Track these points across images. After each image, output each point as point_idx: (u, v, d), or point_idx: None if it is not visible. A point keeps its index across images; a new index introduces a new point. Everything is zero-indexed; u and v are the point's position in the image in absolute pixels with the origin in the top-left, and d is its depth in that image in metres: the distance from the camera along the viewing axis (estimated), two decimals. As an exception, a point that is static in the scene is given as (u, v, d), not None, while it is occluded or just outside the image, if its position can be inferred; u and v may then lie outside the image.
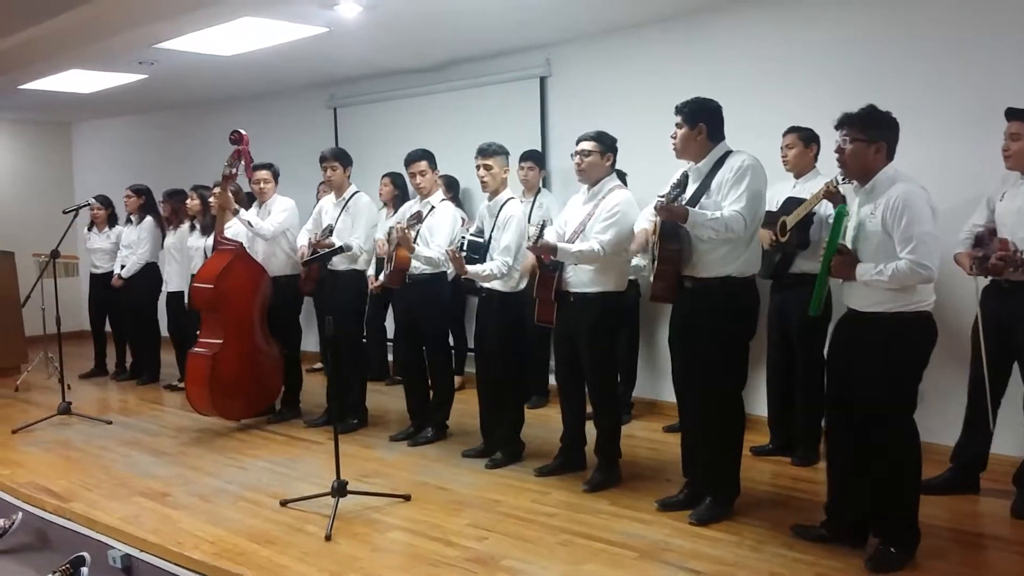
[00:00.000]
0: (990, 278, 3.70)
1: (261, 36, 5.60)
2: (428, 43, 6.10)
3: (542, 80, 6.24)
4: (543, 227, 4.08)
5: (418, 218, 4.77)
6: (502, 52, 6.36)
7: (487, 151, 4.55)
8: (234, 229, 5.79)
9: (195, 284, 5.51)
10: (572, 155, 4.19)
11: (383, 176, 6.59)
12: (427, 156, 4.98)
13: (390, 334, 6.41)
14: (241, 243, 5.51)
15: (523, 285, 4.55)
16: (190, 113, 9.01)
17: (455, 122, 6.64)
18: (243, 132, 5.45)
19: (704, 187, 3.60)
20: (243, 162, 5.48)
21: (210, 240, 6.14)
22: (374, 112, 7.33)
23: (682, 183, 3.53)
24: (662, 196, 3.56)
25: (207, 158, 8.12)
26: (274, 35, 5.58)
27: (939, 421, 4.05)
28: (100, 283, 7.42)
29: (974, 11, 4.34)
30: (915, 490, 3.21)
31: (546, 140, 6.25)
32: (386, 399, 6.16)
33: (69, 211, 6.58)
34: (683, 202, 3.55)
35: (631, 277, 4.68)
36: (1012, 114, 3.68)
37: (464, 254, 4.47)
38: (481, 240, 4.58)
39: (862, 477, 3.27)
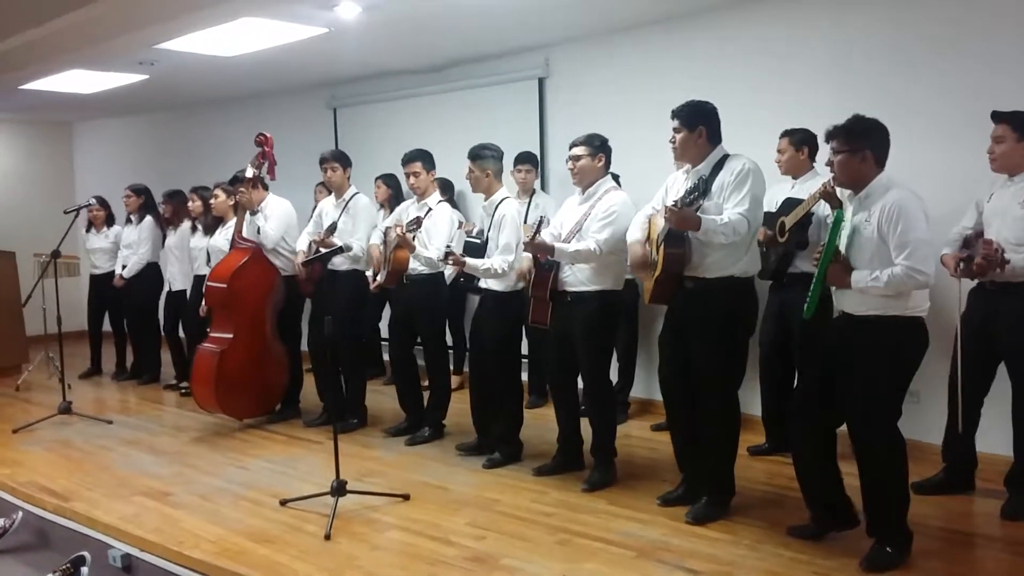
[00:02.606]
0: (976, 280, 3.72)
1: (261, 37, 5.61)
2: (427, 44, 6.12)
3: (541, 81, 6.25)
4: (540, 225, 4.11)
5: (418, 223, 4.80)
6: (501, 53, 6.37)
7: (470, 154, 4.69)
8: (225, 234, 5.87)
9: (209, 282, 5.52)
10: (567, 160, 4.27)
11: (376, 178, 6.62)
12: (422, 157, 5.02)
13: (384, 334, 6.44)
14: (256, 243, 5.53)
15: (520, 285, 4.57)
16: (191, 113, 9.01)
17: (454, 123, 6.66)
18: (268, 135, 5.48)
19: (704, 190, 3.62)
20: (267, 164, 5.51)
21: (212, 240, 6.17)
22: (374, 113, 7.34)
23: (699, 188, 3.52)
24: (675, 201, 3.57)
25: (208, 158, 8.15)
26: (274, 36, 5.59)
27: (937, 422, 4.07)
28: (100, 283, 7.42)
29: (973, 11, 4.35)
30: (905, 490, 3.26)
31: (544, 141, 6.27)
32: (384, 398, 6.17)
33: (70, 211, 6.61)
34: (698, 208, 3.54)
35: (628, 277, 4.71)
36: (997, 117, 3.72)
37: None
38: (479, 242, 4.64)
39: (830, 469, 3.37)
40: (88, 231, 7.48)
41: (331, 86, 7.59)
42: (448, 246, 4.69)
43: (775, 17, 5.06)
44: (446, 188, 6.32)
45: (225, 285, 5.37)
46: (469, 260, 4.49)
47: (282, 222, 5.62)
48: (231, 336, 5.43)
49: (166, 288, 6.97)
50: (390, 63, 6.74)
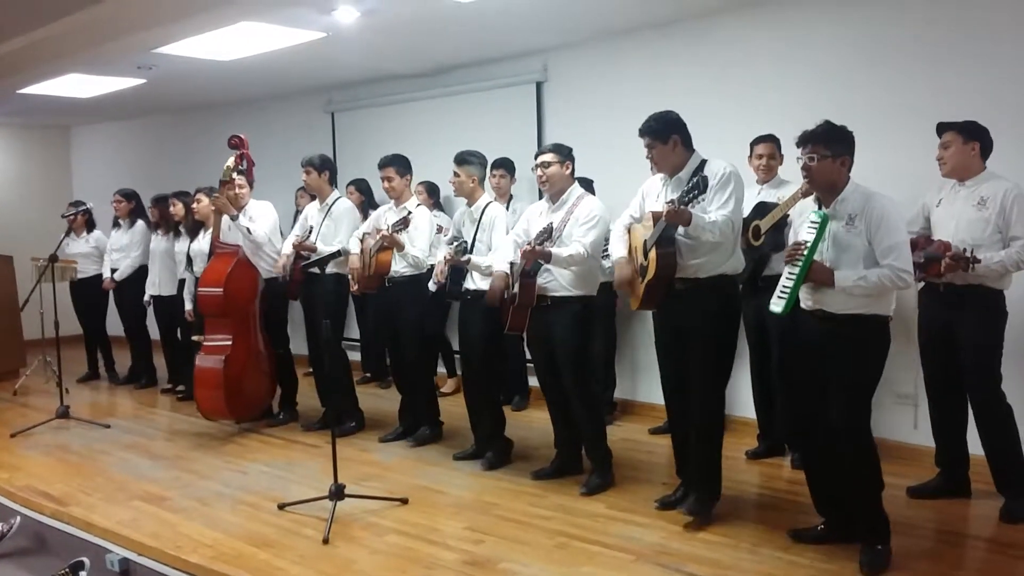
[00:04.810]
0: (922, 283, 3.77)
1: (259, 41, 5.62)
2: (425, 48, 6.13)
3: (539, 85, 6.26)
4: (550, 231, 4.10)
5: (405, 223, 4.88)
6: (499, 57, 6.38)
7: (456, 159, 4.76)
8: (208, 239, 5.86)
9: (202, 289, 5.48)
10: (533, 168, 4.30)
11: (348, 184, 6.64)
12: (395, 162, 5.09)
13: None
14: (239, 246, 5.53)
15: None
16: (189, 117, 9.02)
17: (452, 127, 6.66)
18: (242, 136, 5.47)
19: (704, 187, 3.62)
20: (247, 165, 5.51)
21: (194, 245, 6.15)
22: (372, 117, 7.35)
23: (699, 186, 3.53)
24: (671, 200, 3.58)
25: (206, 162, 8.12)
26: (272, 40, 5.60)
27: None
28: (81, 288, 7.36)
29: (971, 12, 4.36)
30: (878, 485, 3.30)
31: (543, 146, 6.25)
32: (382, 402, 6.18)
33: (68, 215, 6.59)
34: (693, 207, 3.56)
35: (604, 280, 4.74)
36: (942, 127, 3.78)
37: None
38: (467, 244, 4.66)
39: (836, 476, 3.37)
40: (67, 235, 7.39)
41: (329, 90, 7.60)
42: (463, 240, 4.68)
43: (774, 21, 5.07)
44: (432, 192, 6.35)
45: (220, 290, 5.36)
46: (474, 258, 4.52)
47: (269, 223, 5.63)
48: (230, 341, 5.42)
49: (156, 293, 6.91)
50: (388, 67, 6.74)
